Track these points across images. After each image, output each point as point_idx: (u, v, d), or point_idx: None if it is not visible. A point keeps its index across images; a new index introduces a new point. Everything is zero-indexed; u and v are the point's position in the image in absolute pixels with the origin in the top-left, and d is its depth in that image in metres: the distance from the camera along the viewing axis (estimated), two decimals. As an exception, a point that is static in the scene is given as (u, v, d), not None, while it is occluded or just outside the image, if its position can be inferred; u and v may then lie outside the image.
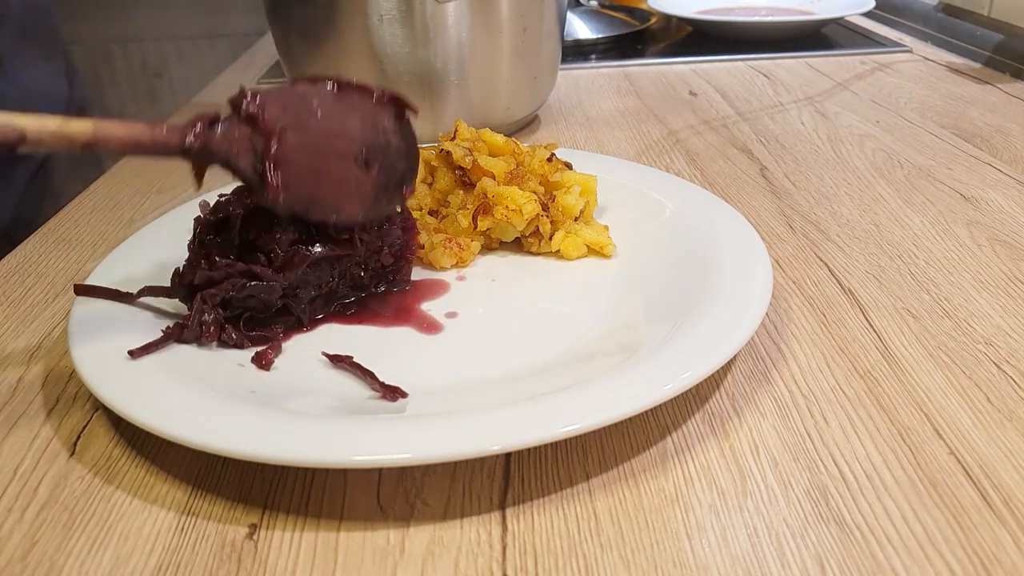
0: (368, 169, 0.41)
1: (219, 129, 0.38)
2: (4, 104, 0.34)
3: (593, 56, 1.00)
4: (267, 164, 0.38)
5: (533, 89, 0.71)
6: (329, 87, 0.41)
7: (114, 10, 1.59)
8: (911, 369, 0.38)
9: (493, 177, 0.49)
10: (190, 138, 0.37)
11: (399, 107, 0.43)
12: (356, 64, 0.65)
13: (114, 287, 0.42)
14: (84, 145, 0.34)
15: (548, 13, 0.68)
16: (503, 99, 0.69)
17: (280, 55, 0.73)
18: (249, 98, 0.38)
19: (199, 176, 0.39)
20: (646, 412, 0.35)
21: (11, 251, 0.55)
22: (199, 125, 0.37)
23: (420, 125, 0.66)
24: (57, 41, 0.81)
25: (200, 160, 0.38)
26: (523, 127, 0.75)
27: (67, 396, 0.39)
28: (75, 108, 0.83)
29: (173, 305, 0.42)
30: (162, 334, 0.39)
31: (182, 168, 0.68)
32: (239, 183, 0.41)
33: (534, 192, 0.49)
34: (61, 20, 0.82)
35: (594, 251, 0.49)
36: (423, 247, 0.48)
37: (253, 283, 0.40)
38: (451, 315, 0.44)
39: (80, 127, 0.34)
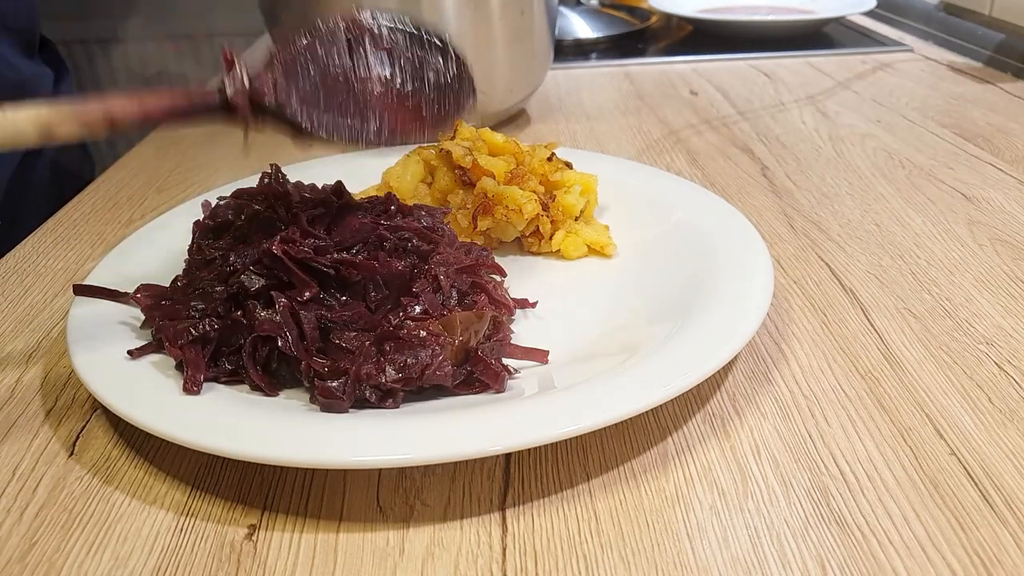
0: (403, 83, 0.40)
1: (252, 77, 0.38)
2: None
3: (593, 55, 1.00)
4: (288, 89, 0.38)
5: (530, 66, 0.72)
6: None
7: (113, 9, 1.59)
8: (912, 369, 0.38)
9: (493, 177, 0.49)
10: (231, 91, 0.37)
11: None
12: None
13: (113, 287, 0.42)
14: (132, 123, 0.34)
15: None
16: (502, 76, 0.69)
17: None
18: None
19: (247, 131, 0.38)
20: (647, 413, 0.35)
21: (10, 250, 0.55)
22: (234, 79, 0.37)
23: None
24: (33, 35, 0.78)
25: (246, 112, 0.37)
26: (518, 114, 0.75)
27: (66, 397, 0.39)
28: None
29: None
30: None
31: (181, 168, 0.68)
32: (241, 185, 0.40)
33: (534, 192, 0.49)
34: (40, 17, 0.79)
35: (594, 251, 0.49)
36: None
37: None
38: (451, 315, 0.44)
39: (122, 105, 0.34)
